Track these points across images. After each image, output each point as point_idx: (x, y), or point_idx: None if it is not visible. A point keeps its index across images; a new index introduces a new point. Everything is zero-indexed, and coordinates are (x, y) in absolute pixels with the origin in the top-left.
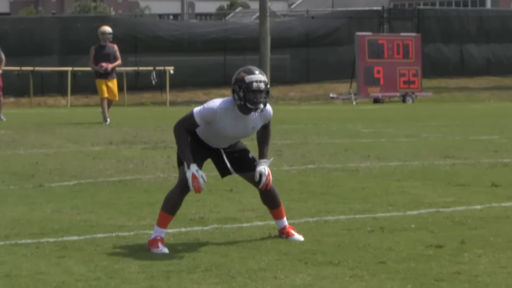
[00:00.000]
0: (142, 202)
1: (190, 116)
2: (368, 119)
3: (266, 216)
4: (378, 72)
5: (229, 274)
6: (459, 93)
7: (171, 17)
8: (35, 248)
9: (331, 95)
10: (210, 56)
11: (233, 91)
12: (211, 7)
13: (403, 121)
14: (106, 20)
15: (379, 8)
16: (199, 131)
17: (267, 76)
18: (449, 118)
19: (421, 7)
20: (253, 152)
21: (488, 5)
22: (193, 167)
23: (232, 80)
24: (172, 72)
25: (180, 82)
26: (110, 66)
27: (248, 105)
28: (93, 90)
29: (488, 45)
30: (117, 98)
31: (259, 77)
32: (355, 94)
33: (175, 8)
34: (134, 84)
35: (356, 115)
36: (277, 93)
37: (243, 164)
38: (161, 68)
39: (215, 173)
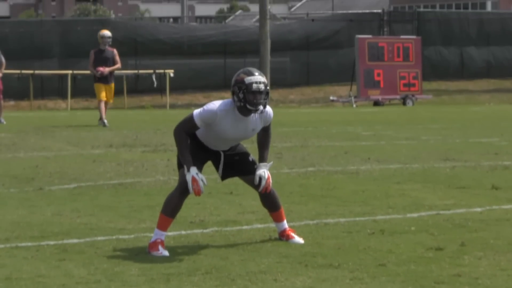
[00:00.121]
0: (142, 205)
1: (190, 119)
2: (368, 122)
3: (266, 219)
4: (378, 74)
5: (229, 277)
6: (459, 96)
7: (171, 20)
8: (36, 251)
9: (331, 98)
10: (210, 59)
11: (233, 93)
12: (211, 10)
13: (403, 123)
14: (106, 23)
15: (379, 10)
16: (199, 133)
17: (267, 79)
18: (449, 120)
19: (421, 9)
20: (253, 155)
21: (489, 7)
22: (193, 170)
23: (232, 81)
24: (172, 75)
25: (180, 85)
26: (106, 70)
27: (248, 106)
28: (93, 94)
29: (489, 48)
30: (111, 101)
31: (258, 78)
32: (355, 97)
33: (175, 11)
34: (134, 87)
35: (356, 117)
36: (277, 96)
37: (243, 167)
38: (161, 71)
39: (215, 176)
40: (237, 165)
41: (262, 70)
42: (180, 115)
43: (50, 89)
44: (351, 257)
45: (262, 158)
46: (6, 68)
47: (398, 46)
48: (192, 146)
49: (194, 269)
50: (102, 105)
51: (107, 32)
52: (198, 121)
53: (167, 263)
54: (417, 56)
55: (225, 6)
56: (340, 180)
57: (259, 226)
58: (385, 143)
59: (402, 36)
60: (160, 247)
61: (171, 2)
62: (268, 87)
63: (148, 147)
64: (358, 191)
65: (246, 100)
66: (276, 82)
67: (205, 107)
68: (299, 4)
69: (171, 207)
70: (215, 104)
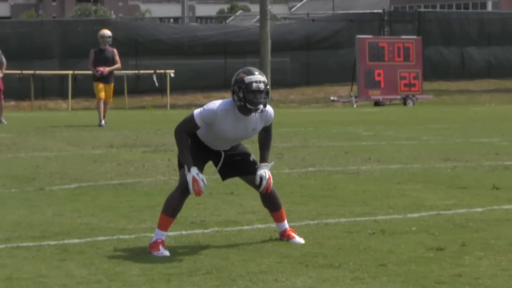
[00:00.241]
0: (142, 205)
1: (191, 118)
2: (369, 122)
3: (267, 219)
4: (379, 75)
5: (230, 277)
6: (460, 96)
7: (172, 20)
8: (36, 251)
9: (331, 98)
10: (211, 59)
11: (233, 92)
12: (212, 11)
13: (403, 124)
14: (106, 24)
15: (380, 10)
16: (200, 133)
17: (267, 79)
18: (450, 121)
19: (422, 9)
20: (254, 155)
21: (489, 7)
22: (194, 170)
23: (232, 81)
24: (172, 75)
25: (181, 86)
26: (106, 69)
27: (248, 105)
28: (94, 94)
29: (489, 48)
30: (110, 100)
31: (258, 78)
32: (355, 97)
33: (175, 11)
34: (135, 88)
35: (356, 118)
36: (277, 96)
37: (244, 167)
38: (162, 71)
39: (216, 176)
40: (238, 165)
41: (262, 70)
42: (180, 115)
43: (51, 89)
44: (352, 257)
45: (263, 158)
46: (7, 68)
47: (399, 46)
48: (193, 146)
49: (195, 269)
50: (101, 104)
51: (107, 32)
52: (198, 121)
53: (167, 263)
54: (418, 56)
55: (225, 7)
56: (341, 180)
57: (260, 226)
58: (386, 143)
59: (402, 36)
60: (160, 247)
61: (171, 2)
62: (268, 86)
63: (149, 147)
64: (359, 191)
65: (246, 100)
66: (277, 82)
67: (205, 106)
68: (299, 4)
69: (172, 207)
70: (215, 104)
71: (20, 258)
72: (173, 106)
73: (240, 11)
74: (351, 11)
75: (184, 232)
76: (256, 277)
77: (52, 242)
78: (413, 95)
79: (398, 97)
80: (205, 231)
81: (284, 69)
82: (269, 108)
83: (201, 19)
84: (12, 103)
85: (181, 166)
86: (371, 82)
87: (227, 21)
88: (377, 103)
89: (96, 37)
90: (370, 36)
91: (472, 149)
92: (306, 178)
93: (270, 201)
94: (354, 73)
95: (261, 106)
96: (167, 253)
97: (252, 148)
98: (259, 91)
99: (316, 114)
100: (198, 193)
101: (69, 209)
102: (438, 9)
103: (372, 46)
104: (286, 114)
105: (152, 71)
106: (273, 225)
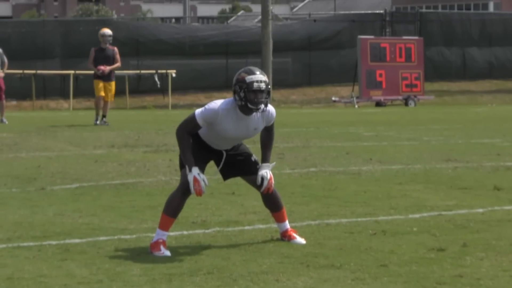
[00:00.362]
0: (144, 205)
1: (192, 118)
2: (370, 123)
3: (268, 219)
4: (380, 75)
5: (231, 277)
6: (461, 97)
7: (173, 20)
8: (37, 251)
9: (333, 98)
10: (212, 59)
11: (234, 92)
12: (213, 11)
13: (405, 124)
14: (108, 24)
15: (382, 11)
16: (201, 132)
17: (269, 80)
18: (451, 121)
19: (424, 10)
20: (256, 156)
21: (491, 8)
22: (195, 170)
23: (233, 80)
24: (174, 75)
25: (182, 86)
26: (107, 68)
27: (249, 105)
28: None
29: (491, 49)
30: (112, 99)
31: (259, 77)
32: (357, 98)
33: (177, 11)
34: (136, 88)
35: (358, 118)
36: (279, 96)
37: (245, 167)
38: (163, 71)
39: (217, 176)
40: (240, 165)
41: (264, 70)
42: (182, 116)
43: (52, 89)
44: (353, 258)
45: (265, 159)
46: (8, 68)
47: (400, 47)
48: (195, 145)
49: (196, 270)
50: (100, 102)
51: (107, 31)
52: (200, 121)
53: (169, 263)
54: (419, 57)
55: (227, 7)
56: (342, 181)
57: (261, 226)
58: (387, 144)
59: (404, 37)
60: (162, 247)
61: (173, 2)
62: (269, 86)
63: (150, 147)
64: (360, 192)
65: (247, 99)
66: (278, 82)
67: (206, 106)
68: (301, 4)
69: (173, 207)
70: (216, 103)
71: (21, 258)
72: (174, 106)
73: (241, 11)
74: (352, 12)
75: (185, 232)
76: (257, 277)
77: (53, 242)
78: (415, 96)
79: (400, 97)
80: (206, 231)
81: (285, 70)
82: (270, 108)
83: (202, 19)
84: (14, 102)
85: (182, 166)
86: (372, 82)
87: (228, 21)
88: (378, 104)
89: (97, 37)
90: (372, 37)
91: (474, 150)
92: (307, 179)
93: (271, 202)
94: (355, 74)
95: (262, 106)
96: (168, 253)
97: (253, 148)
98: (260, 90)
99: (318, 115)
100: (199, 193)
101: (70, 209)
102: (439, 10)
103: (374, 46)
104: (287, 114)
105: (153, 71)
106: (274, 225)
